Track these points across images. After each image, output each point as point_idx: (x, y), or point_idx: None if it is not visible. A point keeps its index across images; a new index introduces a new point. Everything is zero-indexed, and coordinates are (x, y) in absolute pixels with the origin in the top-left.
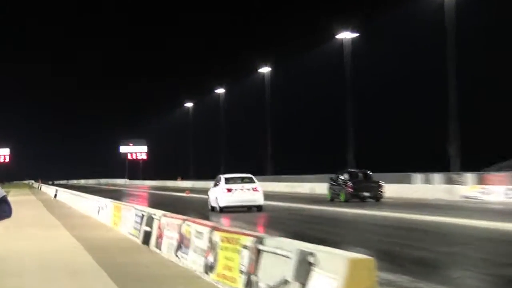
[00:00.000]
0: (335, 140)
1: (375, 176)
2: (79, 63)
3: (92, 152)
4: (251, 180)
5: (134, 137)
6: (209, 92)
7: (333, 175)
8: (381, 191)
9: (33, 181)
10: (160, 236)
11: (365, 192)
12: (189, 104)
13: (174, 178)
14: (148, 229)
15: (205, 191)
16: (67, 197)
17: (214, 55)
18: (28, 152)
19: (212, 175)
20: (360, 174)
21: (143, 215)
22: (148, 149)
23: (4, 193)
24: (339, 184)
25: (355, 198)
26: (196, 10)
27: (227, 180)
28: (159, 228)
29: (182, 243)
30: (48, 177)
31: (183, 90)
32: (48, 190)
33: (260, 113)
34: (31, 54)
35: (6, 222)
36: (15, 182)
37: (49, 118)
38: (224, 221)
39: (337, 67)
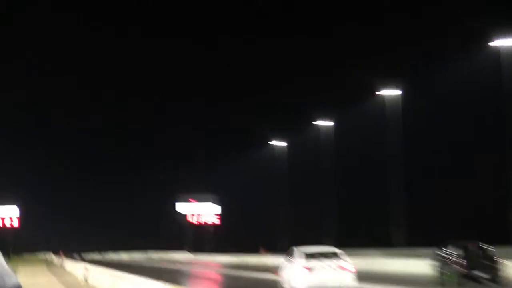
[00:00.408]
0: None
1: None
2: (116, 89)
3: (135, 212)
4: (336, 256)
5: (198, 191)
6: (306, 125)
7: (438, 249)
8: (500, 270)
9: (51, 254)
10: None
11: (481, 271)
12: (278, 143)
13: (255, 250)
14: None
15: None
16: (103, 278)
17: (312, 75)
18: (44, 212)
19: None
20: (472, 247)
21: None
22: (222, 208)
23: (18, 283)
24: (446, 262)
25: (468, 280)
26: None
27: (306, 256)
28: None
29: None
30: (73, 248)
31: (268, 122)
32: (75, 268)
33: (383, 154)
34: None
35: None
36: (25, 254)
37: (73, 163)
38: None
39: (495, 83)
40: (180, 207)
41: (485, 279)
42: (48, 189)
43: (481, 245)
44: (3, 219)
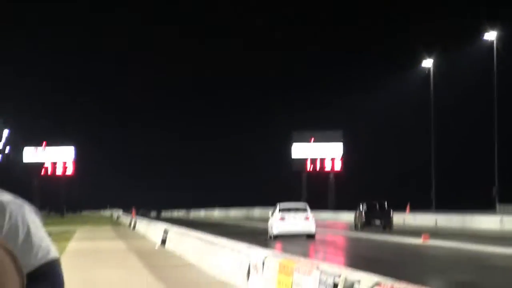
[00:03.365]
0: None
1: None
2: None
3: (232, 158)
4: (304, 210)
5: (318, 127)
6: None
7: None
8: (391, 219)
9: (120, 212)
10: None
11: (376, 220)
12: (427, 63)
13: (400, 206)
14: None
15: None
16: (186, 244)
17: None
18: (112, 156)
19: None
20: (376, 204)
21: (335, 284)
22: (345, 149)
23: (52, 255)
24: (358, 213)
25: (367, 225)
26: None
27: (281, 210)
28: None
29: None
30: (149, 205)
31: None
32: (151, 229)
33: None
34: None
35: None
36: (84, 212)
37: (147, 95)
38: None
39: None
40: (297, 149)
41: (379, 225)
42: (117, 124)
43: (382, 202)
44: (54, 165)
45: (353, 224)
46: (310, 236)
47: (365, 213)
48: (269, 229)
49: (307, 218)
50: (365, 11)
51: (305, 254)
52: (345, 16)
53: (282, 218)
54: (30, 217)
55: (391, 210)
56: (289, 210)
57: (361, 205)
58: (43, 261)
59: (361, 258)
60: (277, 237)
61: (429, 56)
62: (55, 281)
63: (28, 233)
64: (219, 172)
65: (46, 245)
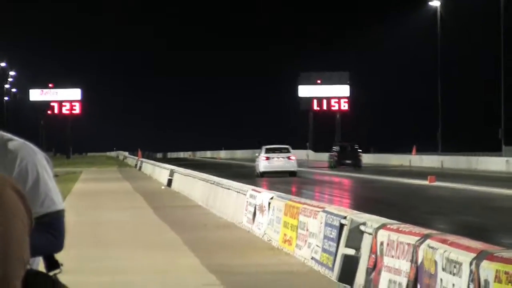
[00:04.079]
0: None
1: None
2: None
3: (239, 100)
4: (287, 150)
5: (327, 67)
6: None
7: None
8: (360, 160)
9: (126, 154)
10: (375, 268)
11: (347, 160)
12: (434, 2)
13: (406, 148)
14: (350, 252)
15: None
16: (191, 185)
17: None
18: (116, 99)
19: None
20: (348, 146)
21: (341, 224)
22: (351, 89)
23: (58, 207)
24: (332, 154)
25: (340, 165)
26: None
27: (267, 150)
28: (374, 252)
29: (419, 284)
30: (156, 148)
31: None
32: (157, 170)
33: None
34: None
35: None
36: (90, 154)
37: (153, 38)
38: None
39: None
40: (304, 90)
41: (350, 164)
42: (123, 68)
43: (353, 144)
44: (61, 104)
45: (328, 163)
46: (292, 174)
47: (337, 153)
48: (256, 168)
49: (289, 158)
50: None
51: (312, 197)
52: None
53: (267, 158)
54: (42, 165)
55: (360, 152)
56: (273, 150)
57: (334, 147)
58: (48, 210)
59: (368, 200)
60: (264, 174)
61: None
62: (57, 232)
63: (37, 181)
64: (225, 116)
65: (53, 196)
